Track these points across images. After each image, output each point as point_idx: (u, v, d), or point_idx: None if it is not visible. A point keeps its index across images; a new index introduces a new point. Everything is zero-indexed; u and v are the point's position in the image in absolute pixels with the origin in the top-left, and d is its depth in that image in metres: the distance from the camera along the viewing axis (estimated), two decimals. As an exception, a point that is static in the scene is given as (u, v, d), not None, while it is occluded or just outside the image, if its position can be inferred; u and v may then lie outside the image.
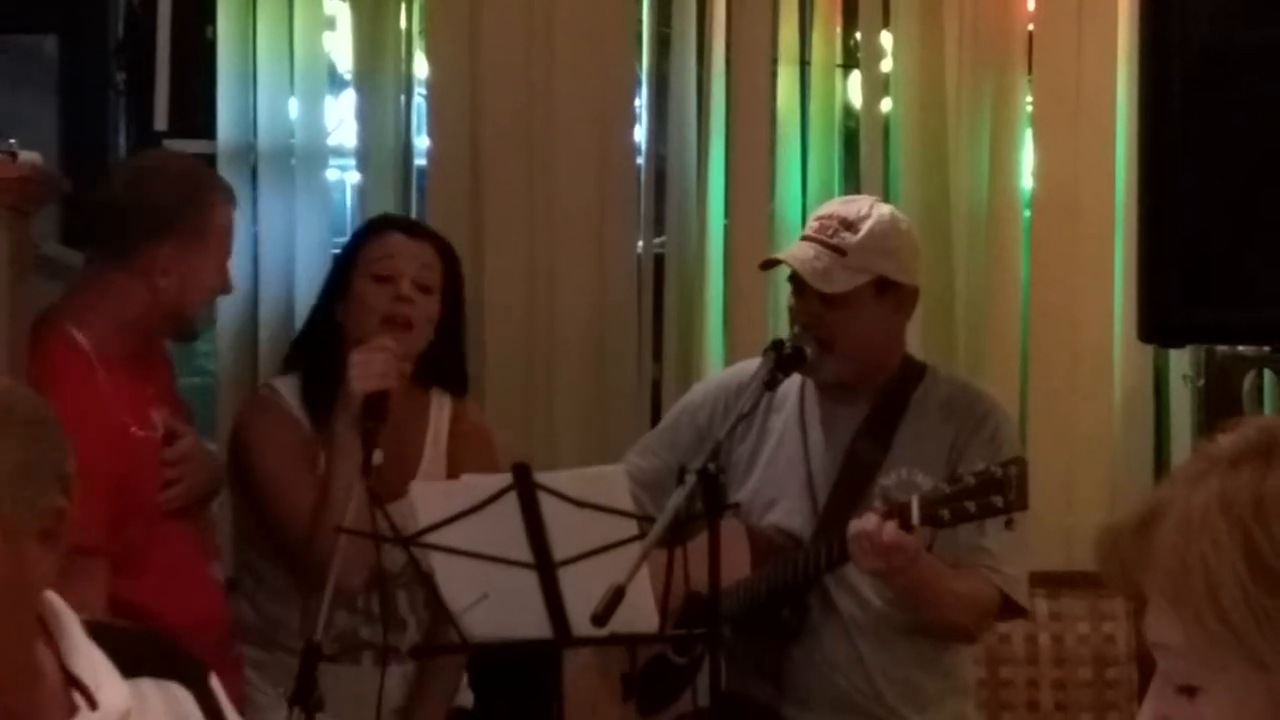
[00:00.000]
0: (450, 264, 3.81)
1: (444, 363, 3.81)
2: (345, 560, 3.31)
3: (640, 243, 4.78)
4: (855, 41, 4.84)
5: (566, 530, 3.11)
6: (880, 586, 3.53)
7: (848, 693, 3.61)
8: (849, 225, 3.62)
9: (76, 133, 4.85)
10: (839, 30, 4.82)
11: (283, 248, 4.65)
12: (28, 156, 3.75)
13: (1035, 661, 4.51)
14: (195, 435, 3.68)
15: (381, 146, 4.75)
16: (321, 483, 3.54)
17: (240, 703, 3.68)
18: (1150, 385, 4.77)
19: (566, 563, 3.12)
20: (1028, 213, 4.78)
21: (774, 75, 4.80)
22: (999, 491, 3.26)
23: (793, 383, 3.70)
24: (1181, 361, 4.70)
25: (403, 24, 4.78)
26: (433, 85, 4.76)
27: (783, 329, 4.10)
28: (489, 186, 4.67)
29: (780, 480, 3.70)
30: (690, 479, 3.18)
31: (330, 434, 3.55)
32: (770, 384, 3.53)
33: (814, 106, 4.82)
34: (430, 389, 3.83)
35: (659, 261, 4.79)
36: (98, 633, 2.00)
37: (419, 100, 4.83)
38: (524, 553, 3.13)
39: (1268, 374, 4.45)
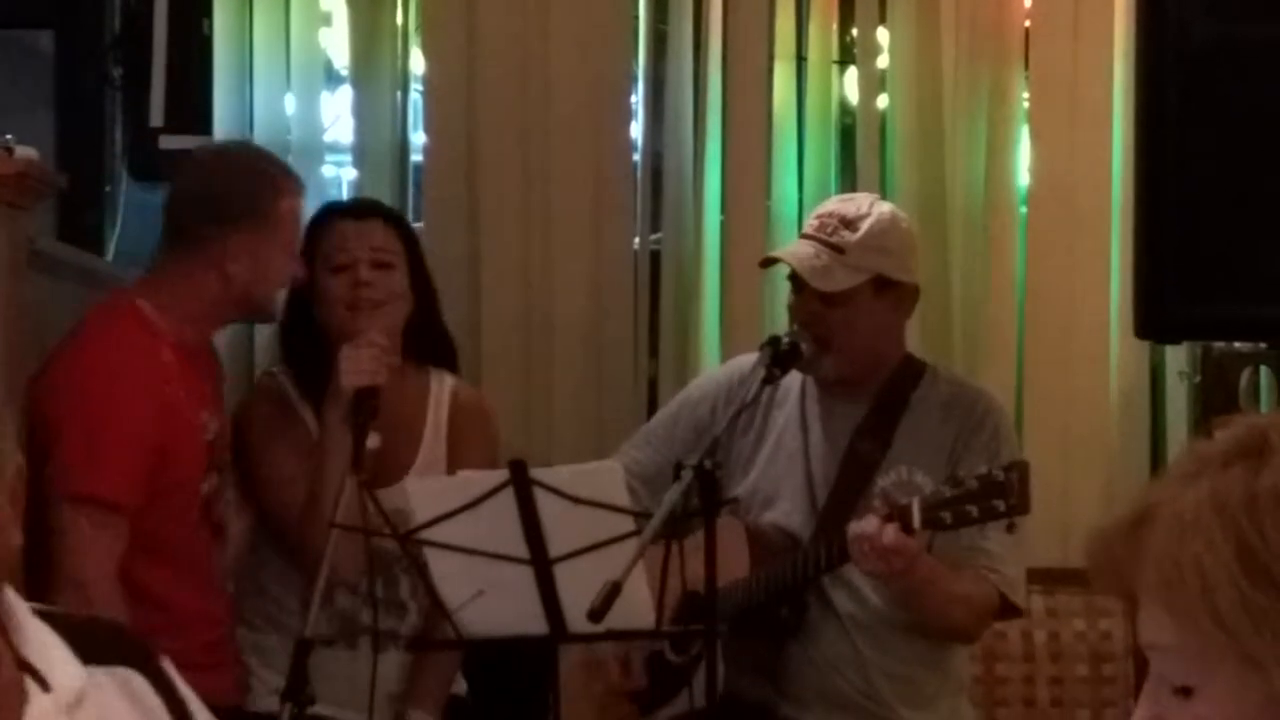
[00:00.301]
0: (404, 233, 3.80)
1: (427, 338, 3.81)
2: (338, 554, 3.32)
3: (637, 239, 4.78)
4: (852, 37, 4.84)
5: (563, 526, 3.11)
6: (878, 585, 3.53)
7: (845, 691, 3.61)
8: (848, 223, 3.62)
9: (72, 128, 4.85)
10: (835, 26, 4.82)
11: (279, 244, 4.65)
12: (23, 152, 3.75)
13: (1031, 658, 4.51)
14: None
15: (378, 143, 4.75)
16: (313, 478, 3.54)
17: (241, 694, 3.70)
18: (1147, 382, 4.77)
19: (562, 559, 3.12)
20: (1024, 209, 4.78)
21: (770, 71, 4.79)
22: (1001, 495, 3.26)
23: (793, 380, 3.70)
24: (1178, 358, 4.69)
25: (399, 20, 4.77)
26: (429, 81, 4.75)
27: (779, 325, 4.10)
28: (485, 183, 4.67)
29: (779, 478, 3.70)
30: (687, 475, 3.17)
31: (321, 428, 3.56)
32: (768, 379, 3.52)
33: (810, 103, 4.81)
34: (428, 369, 3.83)
35: (655, 258, 4.79)
36: (46, 618, 2.00)
37: (415, 96, 4.83)
38: (520, 549, 3.13)
39: (1264, 370, 4.44)
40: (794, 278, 3.66)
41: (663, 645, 3.66)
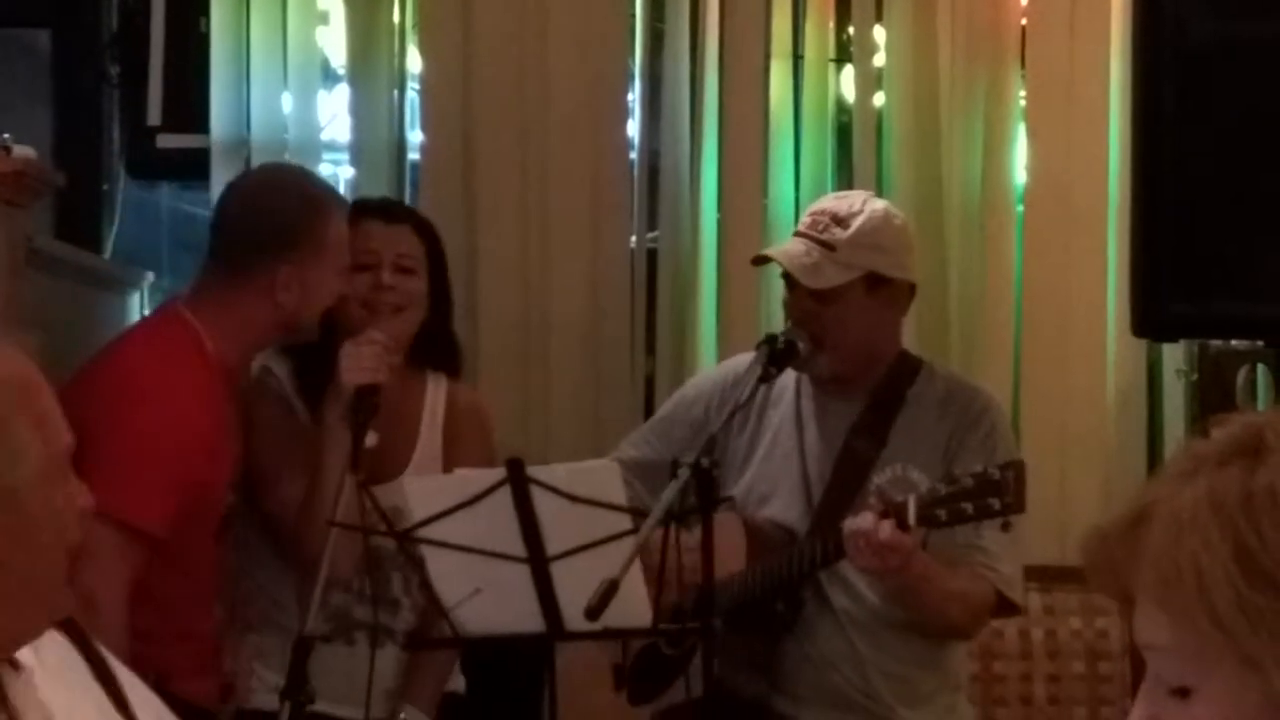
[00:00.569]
0: (431, 242, 3.79)
1: (436, 343, 3.81)
2: (336, 551, 3.32)
3: (633, 237, 4.78)
4: (848, 36, 4.84)
5: (560, 525, 3.11)
6: (874, 583, 3.53)
7: (841, 687, 3.61)
8: (840, 221, 3.62)
9: (70, 127, 4.86)
10: (832, 25, 4.83)
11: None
12: (21, 150, 3.75)
13: (1029, 656, 4.52)
14: None
15: (375, 141, 4.75)
16: (311, 475, 3.54)
17: (226, 700, 3.71)
18: (1143, 380, 4.77)
19: (559, 557, 3.12)
20: (1021, 207, 4.78)
21: (767, 70, 4.80)
22: (996, 494, 3.26)
23: (789, 377, 3.70)
24: (1175, 356, 4.70)
25: (396, 18, 4.78)
26: (426, 80, 4.76)
27: (775, 323, 4.10)
28: (482, 181, 4.67)
29: (776, 474, 3.70)
30: (684, 473, 3.17)
31: (321, 425, 3.55)
32: (764, 378, 3.53)
33: (807, 101, 4.82)
34: (426, 371, 3.83)
35: (652, 256, 4.80)
36: None
37: (412, 95, 4.84)
38: (517, 547, 3.13)
39: (1261, 368, 4.45)
40: (787, 275, 3.66)
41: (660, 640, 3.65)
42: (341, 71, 4.86)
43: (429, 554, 3.19)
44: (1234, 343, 4.40)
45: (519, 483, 3.09)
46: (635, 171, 4.80)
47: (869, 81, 4.79)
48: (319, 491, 3.48)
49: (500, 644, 3.37)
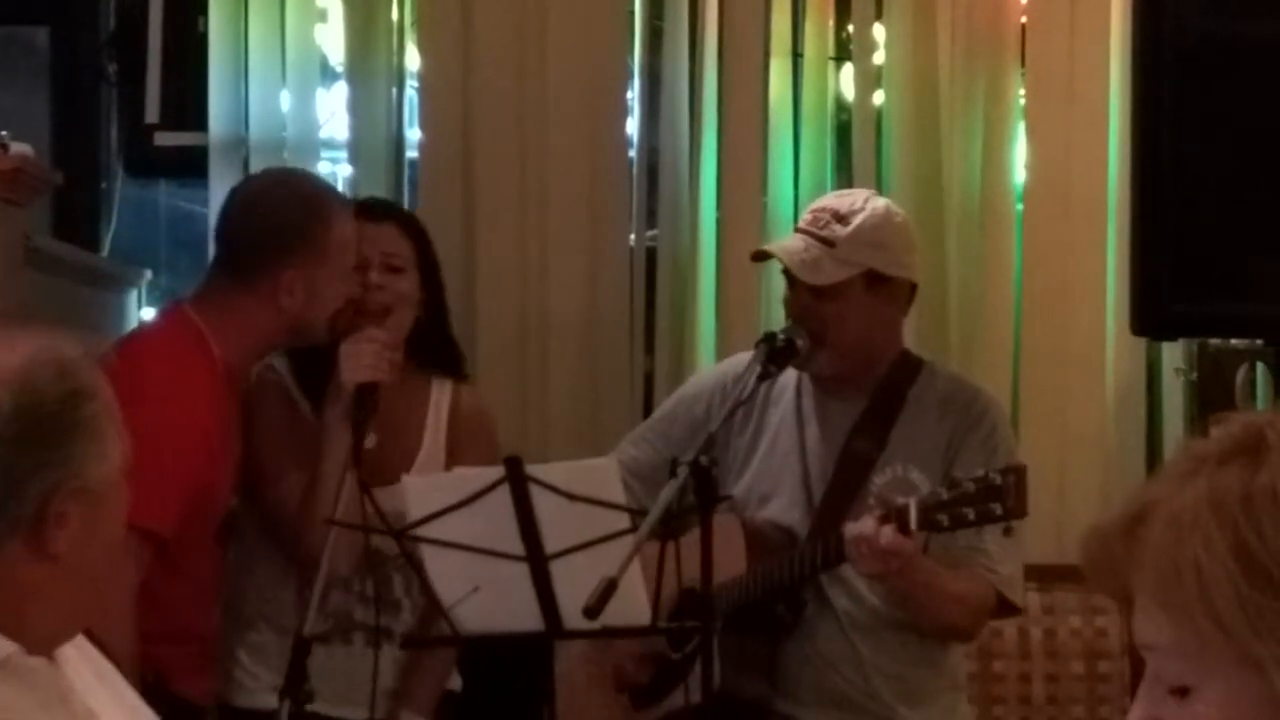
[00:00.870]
0: (419, 239, 3.77)
1: (433, 344, 3.80)
2: (336, 549, 3.31)
3: (632, 235, 4.78)
4: (848, 34, 4.84)
5: (558, 523, 3.10)
6: (875, 584, 3.52)
7: (842, 688, 3.61)
8: (840, 218, 3.62)
9: (68, 125, 4.86)
10: (831, 23, 4.82)
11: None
12: (19, 148, 3.76)
13: (1027, 655, 4.51)
14: None
15: (373, 139, 4.75)
16: (312, 473, 3.54)
17: (226, 686, 3.71)
18: (1143, 378, 4.77)
19: (558, 555, 3.11)
20: (1020, 205, 4.78)
21: (766, 68, 4.80)
22: (998, 499, 3.25)
23: (789, 377, 3.69)
24: (1174, 354, 4.70)
25: (394, 16, 4.77)
26: (424, 78, 4.75)
27: (775, 321, 4.09)
28: (481, 179, 4.67)
29: (776, 475, 3.70)
30: (682, 471, 3.17)
31: (321, 424, 3.55)
32: (764, 376, 3.52)
33: (806, 99, 4.81)
34: (430, 373, 3.82)
35: (651, 254, 4.79)
36: None
37: (411, 93, 4.84)
38: (516, 545, 3.12)
39: (1260, 367, 4.45)
40: (787, 271, 3.66)
41: (661, 643, 3.65)
42: (340, 69, 4.85)
43: (428, 553, 3.19)
44: (1233, 341, 4.40)
45: (517, 481, 3.09)
46: (634, 169, 4.80)
47: (868, 80, 4.78)
48: (319, 490, 3.48)
49: (499, 643, 3.36)
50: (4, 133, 3.75)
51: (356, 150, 4.77)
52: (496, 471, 3.11)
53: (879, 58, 4.80)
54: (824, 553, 3.45)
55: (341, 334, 3.58)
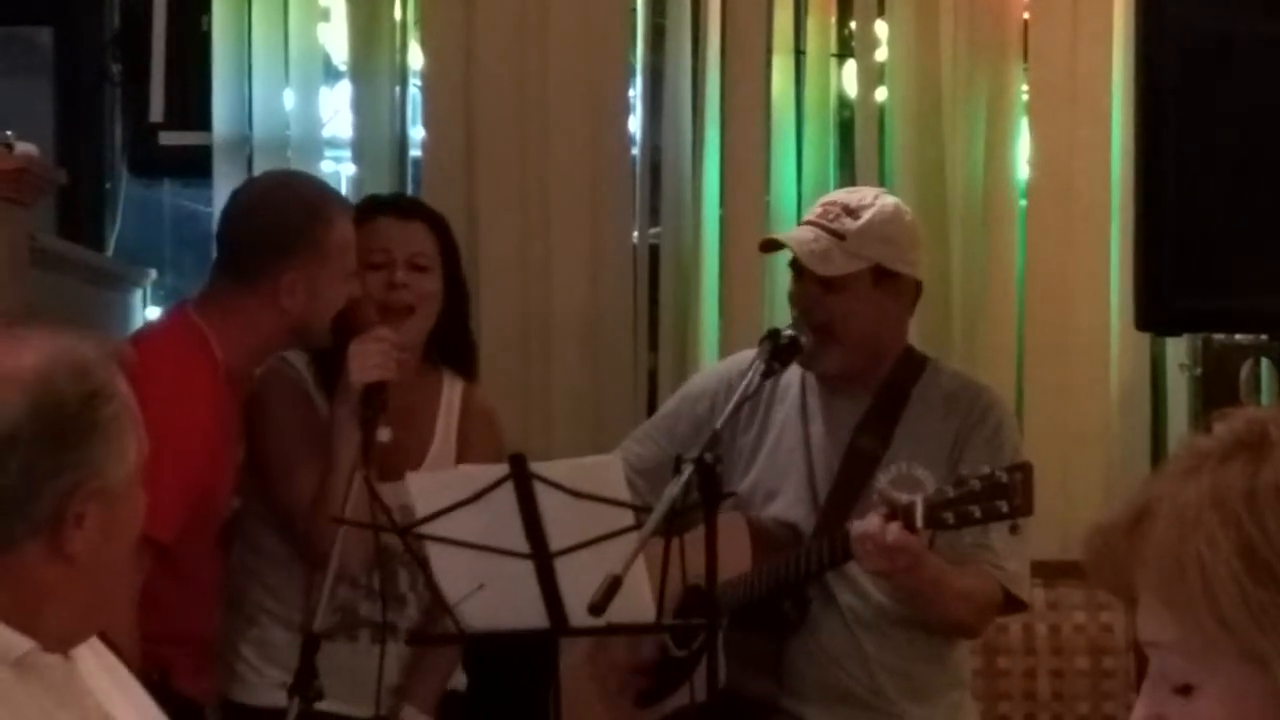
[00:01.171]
0: (445, 238, 3.78)
1: (452, 342, 3.80)
2: (346, 547, 3.32)
3: (636, 233, 4.78)
4: (850, 30, 4.84)
5: (563, 520, 3.11)
6: (880, 581, 3.52)
7: (847, 685, 3.61)
8: (851, 212, 3.62)
9: (72, 124, 4.86)
10: (834, 19, 4.82)
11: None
12: (23, 148, 3.76)
13: (1032, 651, 4.51)
14: None
15: (376, 138, 4.75)
16: (321, 470, 3.54)
17: (231, 682, 3.71)
18: (1147, 374, 4.77)
19: (563, 553, 3.12)
20: (1023, 201, 4.78)
21: (769, 65, 4.79)
22: (1004, 496, 3.25)
23: (794, 374, 3.70)
24: (1178, 350, 4.69)
25: (397, 15, 4.78)
26: (427, 76, 4.75)
27: (779, 318, 4.10)
28: (484, 177, 4.67)
29: (781, 472, 3.70)
30: (687, 469, 3.17)
31: (330, 422, 3.55)
32: (768, 373, 3.52)
33: (809, 96, 4.81)
34: (442, 371, 3.82)
35: (654, 251, 4.79)
36: None
37: (414, 91, 4.84)
38: (520, 543, 3.13)
39: (1265, 362, 4.44)
40: (795, 264, 3.66)
41: (666, 641, 3.65)
42: (343, 68, 4.85)
43: (433, 550, 3.19)
44: (1237, 337, 4.39)
45: (522, 478, 3.09)
46: (637, 167, 4.80)
47: (871, 76, 4.78)
48: (329, 487, 3.49)
49: (503, 640, 3.36)
50: (8, 132, 3.75)
51: (360, 149, 4.78)
52: (501, 469, 3.12)
53: (881, 54, 4.80)
54: (830, 550, 3.45)
55: (357, 332, 3.58)
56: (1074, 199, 4.73)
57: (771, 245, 3.80)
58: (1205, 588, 1.34)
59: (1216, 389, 4.45)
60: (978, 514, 3.27)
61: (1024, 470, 3.27)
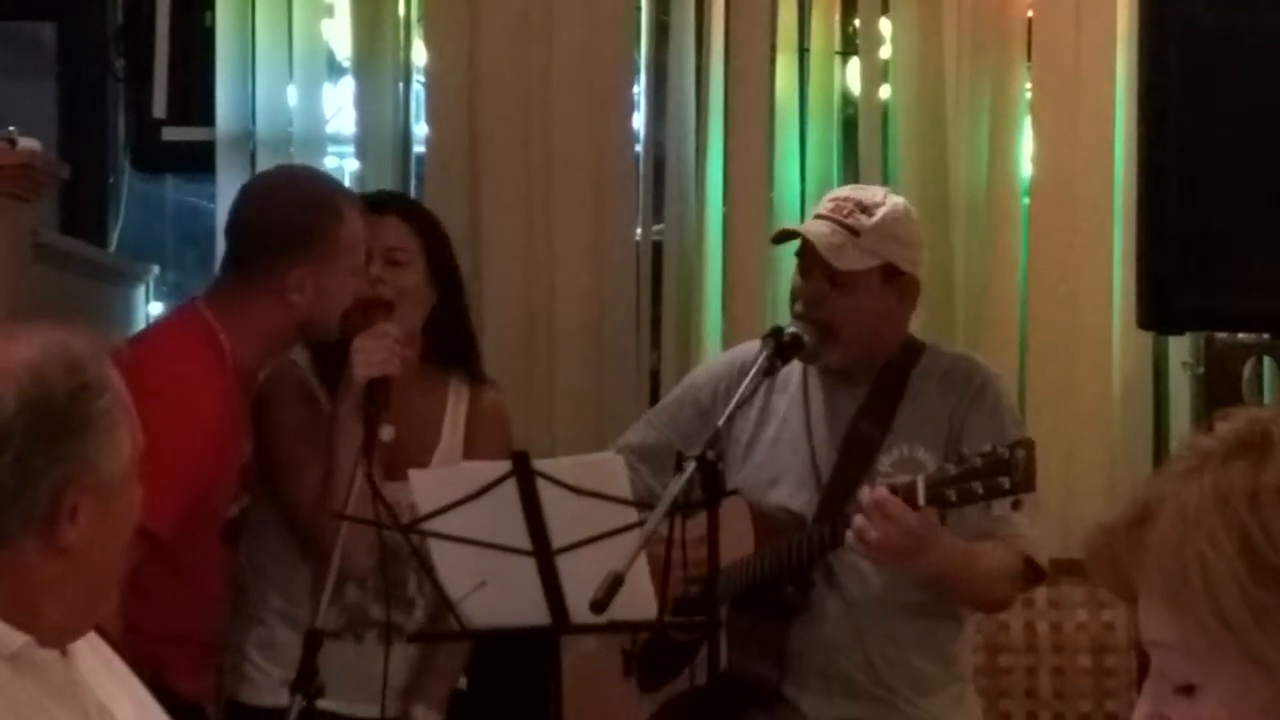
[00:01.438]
0: (426, 230, 3.76)
1: (450, 340, 3.79)
2: (349, 544, 3.32)
3: (639, 230, 4.78)
4: (854, 28, 4.84)
5: (565, 518, 3.11)
6: (888, 570, 3.50)
7: (847, 673, 3.61)
8: (865, 209, 3.63)
9: (75, 120, 4.86)
10: (838, 17, 4.82)
11: (282, 235, 4.64)
12: (27, 144, 3.75)
13: (1034, 649, 4.52)
14: None
15: (380, 134, 4.75)
16: (325, 467, 3.54)
17: (237, 683, 3.71)
18: (1149, 372, 4.77)
19: (565, 550, 3.12)
20: (1027, 200, 4.78)
21: (773, 62, 4.80)
22: (1006, 473, 3.25)
23: (795, 363, 3.70)
24: (1181, 349, 4.69)
25: (401, 11, 4.78)
26: (431, 72, 4.76)
27: (781, 316, 4.09)
28: (487, 174, 4.67)
29: (783, 459, 3.70)
30: (689, 466, 3.17)
31: (333, 419, 3.55)
32: (769, 371, 3.53)
33: (813, 93, 4.82)
34: (449, 370, 3.82)
35: (657, 249, 4.80)
36: None
37: (417, 87, 4.84)
38: (522, 540, 3.13)
39: (1267, 361, 4.44)
40: (803, 257, 3.65)
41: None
42: (347, 64, 4.86)
43: (435, 547, 3.19)
44: (1240, 336, 4.39)
45: (524, 476, 3.09)
46: (640, 164, 4.80)
47: (875, 74, 4.79)
48: (332, 485, 3.48)
49: (505, 637, 3.36)
50: (11, 128, 3.74)
51: (363, 145, 4.78)
52: (504, 466, 3.12)
53: (885, 52, 4.80)
54: (832, 531, 3.45)
55: (354, 330, 3.58)
56: (1077, 197, 4.73)
57: (785, 236, 3.80)
58: (1207, 588, 1.34)
59: (1219, 388, 4.45)
60: (980, 491, 3.26)
61: (1026, 446, 3.26)
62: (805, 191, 4.74)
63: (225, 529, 3.61)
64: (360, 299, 3.62)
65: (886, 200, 3.67)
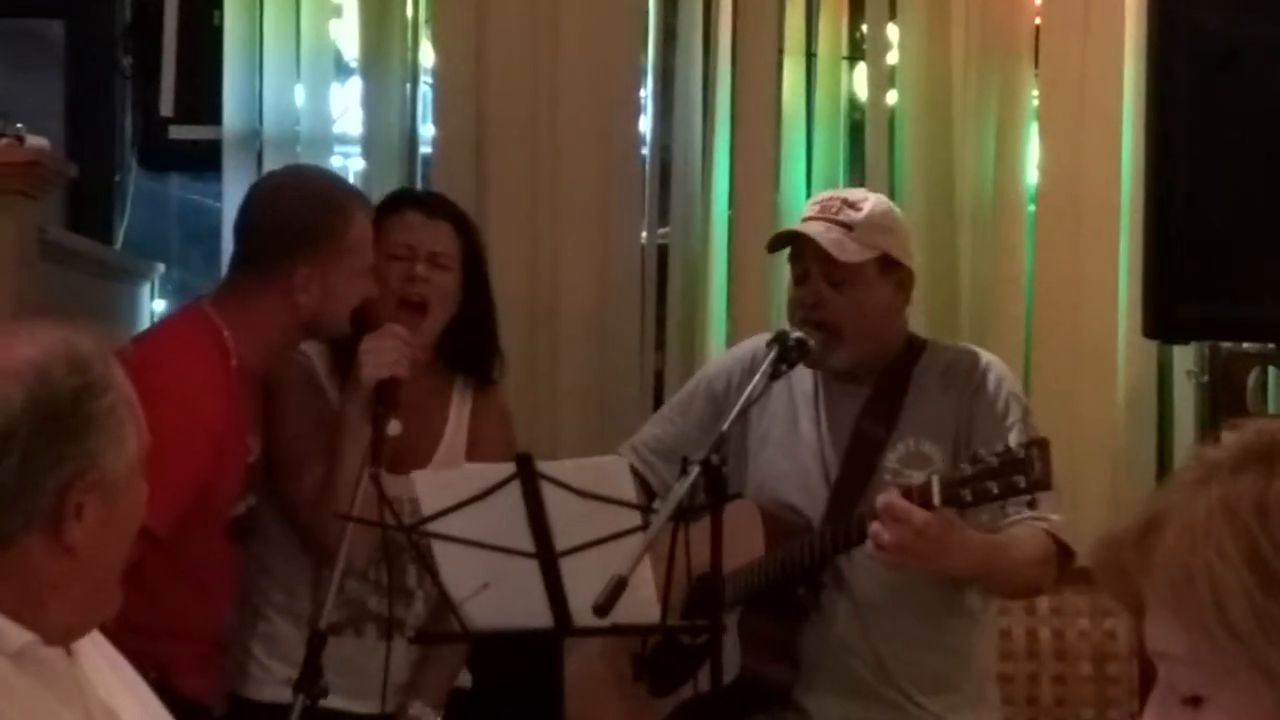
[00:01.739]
0: (469, 241, 3.79)
1: (468, 348, 3.80)
2: (353, 543, 3.32)
3: (644, 233, 4.78)
4: (861, 34, 4.84)
5: (569, 520, 3.11)
6: (892, 566, 3.49)
7: (859, 674, 3.61)
8: (851, 204, 3.66)
9: (82, 118, 4.86)
10: (845, 22, 4.82)
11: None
12: (34, 141, 3.76)
13: (1036, 656, 4.51)
14: None
15: (387, 134, 4.76)
16: (329, 465, 3.54)
17: (239, 679, 3.71)
18: (1154, 381, 4.77)
19: (568, 552, 3.12)
20: (1032, 207, 4.78)
21: (780, 67, 4.80)
22: (1021, 471, 3.24)
23: (801, 365, 3.70)
24: (1185, 358, 4.69)
25: (409, 12, 4.78)
26: (439, 73, 4.76)
27: (785, 319, 4.09)
28: (494, 175, 4.67)
29: (790, 459, 3.71)
30: (693, 470, 3.17)
31: (341, 419, 3.55)
32: (775, 375, 3.53)
33: (819, 98, 4.82)
34: (456, 374, 3.82)
35: (663, 252, 4.80)
36: None
37: (425, 88, 4.84)
38: (526, 542, 3.13)
39: (1272, 370, 4.45)
40: (797, 262, 3.66)
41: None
42: (354, 64, 4.86)
43: (438, 548, 3.19)
44: (1245, 345, 4.39)
45: (528, 478, 3.09)
46: (646, 167, 4.80)
47: (882, 79, 4.79)
48: (335, 482, 3.48)
49: (508, 639, 3.36)
50: (19, 125, 3.75)
51: (370, 145, 4.78)
52: (508, 468, 3.12)
53: (892, 57, 4.80)
54: (845, 533, 3.45)
55: (372, 327, 3.58)
56: (1083, 205, 4.73)
57: (782, 241, 3.79)
58: (1215, 599, 1.34)
59: (1223, 397, 4.45)
60: (995, 490, 3.26)
61: (1041, 445, 3.26)
62: (811, 196, 4.73)
63: (232, 526, 3.60)
64: (398, 294, 3.63)
65: (870, 195, 3.73)
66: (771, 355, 3.51)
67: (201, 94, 4.80)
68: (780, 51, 4.80)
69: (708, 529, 3.18)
